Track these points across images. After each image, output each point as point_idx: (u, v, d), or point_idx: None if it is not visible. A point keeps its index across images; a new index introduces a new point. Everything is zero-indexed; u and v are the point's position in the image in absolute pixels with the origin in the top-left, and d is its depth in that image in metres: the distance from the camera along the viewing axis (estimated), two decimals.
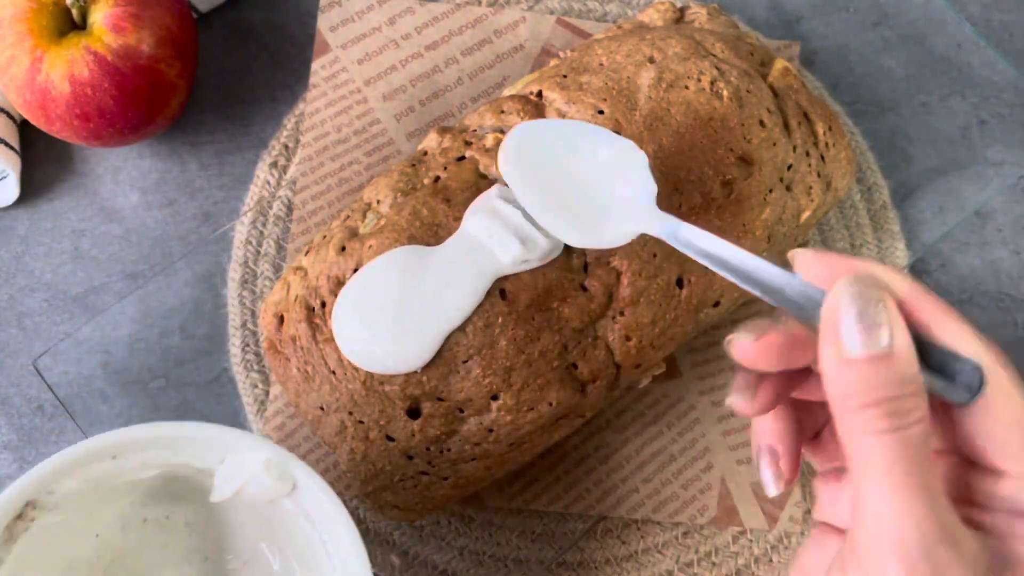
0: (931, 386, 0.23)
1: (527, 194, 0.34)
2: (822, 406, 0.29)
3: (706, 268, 0.38)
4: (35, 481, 0.32)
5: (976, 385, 0.23)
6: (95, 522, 0.35)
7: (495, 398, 0.36)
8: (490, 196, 0.36)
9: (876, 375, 0.23)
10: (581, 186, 0.34)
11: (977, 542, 0.23)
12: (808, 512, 0.44)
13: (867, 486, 0.23)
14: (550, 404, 0.37)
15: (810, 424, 0.29)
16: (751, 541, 0.44)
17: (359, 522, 0.44)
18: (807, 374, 0.28)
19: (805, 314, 0.25)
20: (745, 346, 0.26)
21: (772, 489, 0.28)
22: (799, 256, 0.26)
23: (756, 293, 0.26)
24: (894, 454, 0.22)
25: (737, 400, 0.27)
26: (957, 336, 0.24)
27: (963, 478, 0.25)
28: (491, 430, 0.37)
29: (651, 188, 0.33)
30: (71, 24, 0.41)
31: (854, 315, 0.23)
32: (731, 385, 0.27)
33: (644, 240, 0.37)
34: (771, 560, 0.44)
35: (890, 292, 0.24)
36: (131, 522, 0.36)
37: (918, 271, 0.48)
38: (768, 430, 0.28)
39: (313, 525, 0.34)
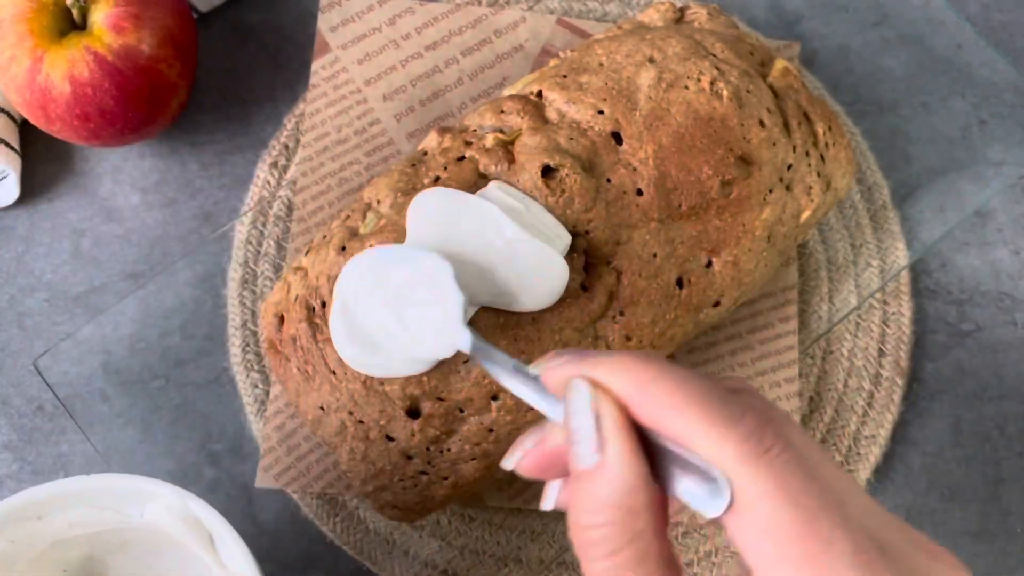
0: (682, 495, 0.22)
1: (351, 344, 0.35)
2: None
3: (706, 268, 0.38)
4: None
5: (724, 495, 0.21)
6: None
7: (495, 398, 0.36)
8: (490, 190, 0.36)
9: (589, 493, 0.22)
10: (411, 305, 0.34)
11: None
12: None
13: None
14: None
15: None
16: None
17: (359, 522, 0.44)
18: None
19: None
20: (520, 466, 0.26)
21: (546, 503, 0.26)
22: (544, 362, 0.25)
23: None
24: None
25: (547, 506, 0.26)
26: (692, 436, 0.22)
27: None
28: (491, 430, 0.37)
29: (458, 300, 0.33)
30: (71, 24, 0.41)
31: (572, 425, 0.23)
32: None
33: (644, 240, 0.37)
34: None
35: (614, 395, 0.23)
36: None
37: (918, 271, 0.48)
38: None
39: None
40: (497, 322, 0.36)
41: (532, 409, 0.37)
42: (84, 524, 0.34)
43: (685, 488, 0.22)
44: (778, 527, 0.20)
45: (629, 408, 0.23)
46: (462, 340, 0.32)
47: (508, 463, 0.26)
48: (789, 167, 0.40)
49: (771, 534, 0.21)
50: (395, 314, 0.34)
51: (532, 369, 0.26)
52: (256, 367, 0.45)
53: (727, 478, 0.21)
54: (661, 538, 0.22)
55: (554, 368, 0.25)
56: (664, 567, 0.22)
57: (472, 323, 0.35)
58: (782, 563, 0.20)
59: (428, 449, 0.37)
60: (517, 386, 0.27)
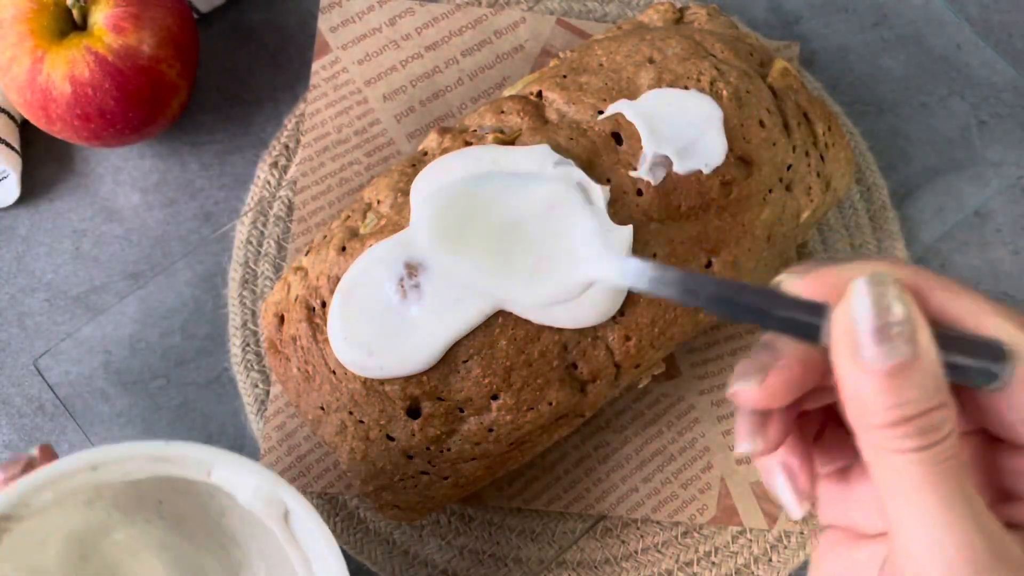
0: (953, 376, 0.22)
1: (456, 260, 0.32)
2: (821, 408, 0.27)
3: (706, 268, 0.38)
4: (13, 498, 0.31)
5: (1002, 366, 0.21)
6: (66, 528, 0.35)
7: (495, 398, 0.36)
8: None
9: (900, 388, 0.21)
10: (518, 238, 0.31)
11: (1018, 548, 0.21)
12: (808, 512, 0.44)
13: (901, 508, 0.21)
14: (550, 404, 0.37)
15: (810, 429, 0.27)
16: (751, 540, 0.44)
17: (359, 522, 0.44)
18: (813, 391, 0.25)
19: (805, 332, 0.23)
20: (751, 393, 0.23)
21: (797, 511, 0.25)
22: (790, 275, 0.24)
23: (744, 320, 0.24)
24: (927, 472, 0.21)
25: (747, 446, 0.24)
26: (975, 315, 0.22)
27: (989, 458, 0.23)
28: (491, 430, 0.37)
29: (604, 226, 0.30)
30: (72, 24, 0.41)
31: (872, 322, 0.21)
32: (737, 432, 0.25)
33: (644, 240, 0.37)
34: (770, 560, 0.44)
35: (910, 288, 0.22)
36: (100, 537, 0.36)
37: None
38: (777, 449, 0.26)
39: (302, 555, 0.33)
40: (496, 321, 0.36)
41: (532, 409, 0.37)
42: (141, 472, 0.33)
43: (962, 370, 0.22)
44: None
45: (921, 297, 0.22)
46: (625, 271, 0.26)
47: (734, 390, 0.24)
48: (789, 167, 0.40)
49: None
50: (509, 239, 0.31)
51: (778, 281, 0.24)
52: (256, 367, 0.45)
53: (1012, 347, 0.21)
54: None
55: (821, 274, 0.23)
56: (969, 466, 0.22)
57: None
58: None
59: (428, 449, 0.37)
60: (736, 297, 0.23)
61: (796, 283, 0.23)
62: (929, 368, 0.21)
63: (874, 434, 0.21)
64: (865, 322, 0.21)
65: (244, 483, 0.32)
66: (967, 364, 0.22)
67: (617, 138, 0.38)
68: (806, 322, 0.22)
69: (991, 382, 0.22)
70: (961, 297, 0.22)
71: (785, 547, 0.44)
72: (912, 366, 0.21)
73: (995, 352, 0.22)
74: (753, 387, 0.23)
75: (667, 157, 0.37)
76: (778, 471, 0.25)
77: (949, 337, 0.22)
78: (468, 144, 0.39)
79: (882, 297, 0.21)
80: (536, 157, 0.36)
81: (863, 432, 0.21)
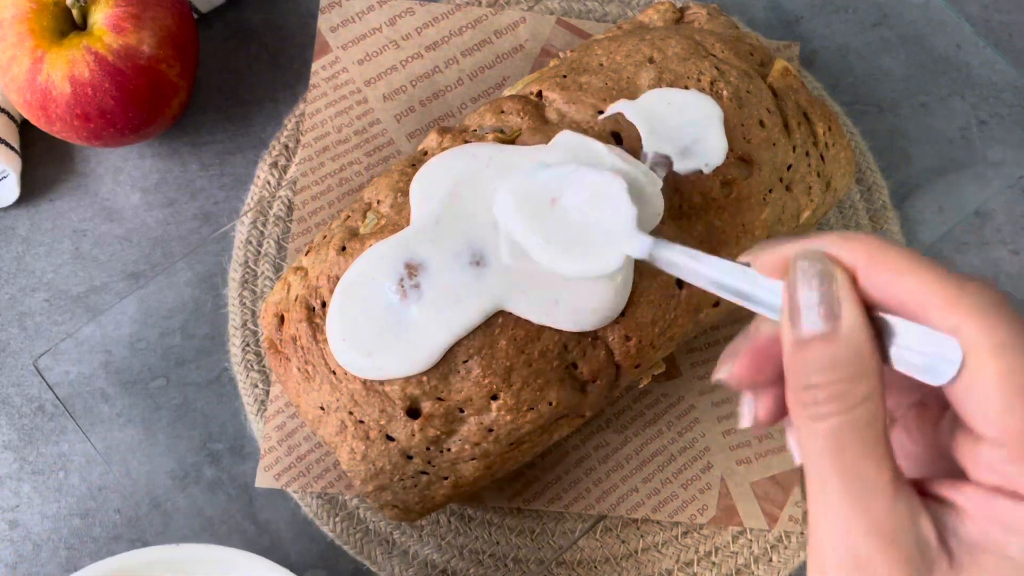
0: (905, 366, 0.22)
1: (530, 238, 0.34)
2: None
3: None
4: None
5: (946, 362, 0.21)
6: None
7: (495, 398, 0.36)
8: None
9: (820, 356, 0.22)
10: (572, 223, 0.34)
11: (920, 536, 0.21)
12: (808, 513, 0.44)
13: (808, 481, 0.22)
14: (550, 404, 0.37)
15: None
16: (751, 540, 0.44)
17: (359, 522, 0.44)
18: None
19: (774, 311, 0.24)
20: (732, 374, 0.25)
21: (745, 420, 0.26)
22: (754, 252, 0.25)
23: (735, 300, 0.26)
24: (830, 442, 0.22)
25: (747, 422, 0.26)
26: (921, 302, 0.22)
27: (940, 436, 0.24)
28: (491, 430, 0.37)
29: (631, 212, 0.33)
30: (72, 24, 0.41)
31: (800, 296, 0.22)
32: (737, 414, 0.26)
33: None
34: (771, 560, 0.44)
35: (844, 265, 0.23)
36: None
37: None
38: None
39: None
40: (496, 321, 0.36)
41: (532, 409, 0.37)
42: None
43: (908, 359, 0.22)
44: (1008, 383, 0.21)
45: (858, 277, 0.23)
46: (638, 245, 0.31)
47: (720, 374, 0.25)
48: (789, 167, 0.40)
49: (1000, 389, 0.21)
50: (566, 224, 0.34)
51: (741, 259, 0.26)
52: (256, 367, 0.45)
53: (958, 342, 0.21)
54: (885, 411, 0.22)
55: (771, 251, 0.24)
56: (887, 440, 0.22)
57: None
58: (1008, 413, 0.21)
59: (428, 449, 0.37)
60: (719, 277, 0.26)
61: (757, 261, 0.25)
62: (848, 345, 0.22)
63: (791, 398, 0.22)
64: (794, 296, 0.23)
65: None
66: (910, 357, 0.22)
67: (617, 138, 0.38)
68: (769, 301, 0.24)
69: (936, 377, 0.22)
70: (907, 279, 0.22)
71: (785, 547, 0.44)
72: (829, 340, 0.22)
73: (940, 347, 0.21)
74: (731, 369, 0.25)
75: (667, 157, 0.37)
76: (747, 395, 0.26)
77: (896, 324, 0.22)
78: (468, 144, 0.39)
79: (808, 274, 0.23)
80: (535, 155, 0.36)
81: (788, 398, 0.23)
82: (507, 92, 0.43)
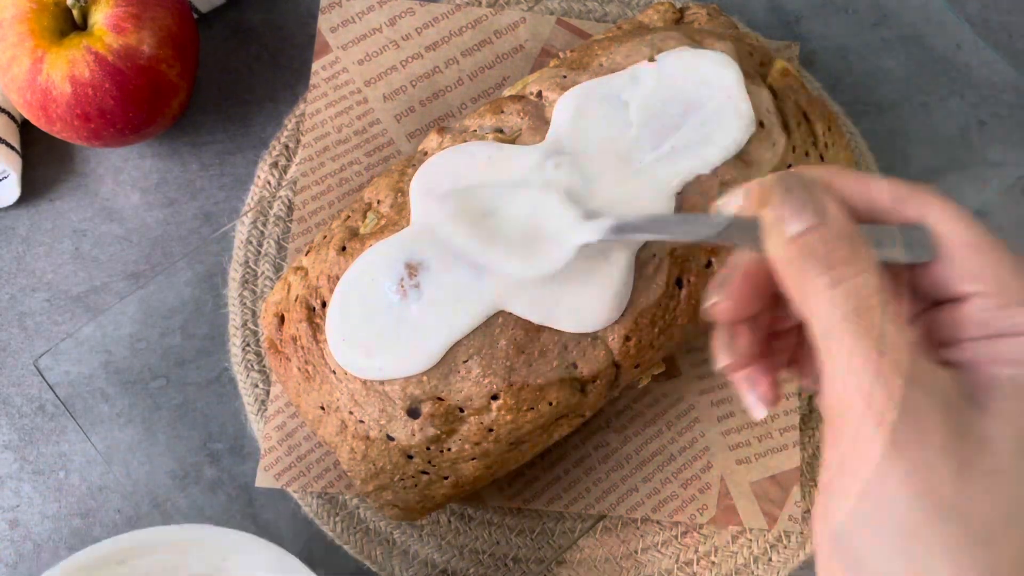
0: (886, 255, 0.24)
1: (465, 240, 0.35)
2: (789, 331, 0.29)
3: (706, 267, 0.38)
4: None
5: (925, 241, 0.24)
6: None
7: (495, 398, 0.36)
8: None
9: (814, 243, 0.23)
10: (513, 231, 0.35)
11: (946, 375, 0.23)
12: (808, 512, 0.44)
13: (827, 347, 0.23)
14: (550, 404, 0.37)
15: (783, 351, 0.30)
16: (750, 540, 0.44)
17: (359, 522, 0.44)
18: (774, 306, 0.28)
19: (752, 239, 0.26)
20: (722, 305, 0.27)
21: (759, 411, 0.28)
22: (727, 199, 0.27)
23: (710, 241, 0.27)
24: (845, 305, 0.22)
25: (723, 358, 0.27)
26: (893, 199, 0.25)
27: (934, 324, 0.25)
28: (491, 430, 0.37)
29: (572, 211, 0.34)
30: (72, 24, 0.41)
31: (784, 204, 0.24)
32: (714, 350, 0.27)
33: (643, 240, 0.37)
34: (770, 559, 0.44)
35: (816, 178, 0.25)
36: None
37: None
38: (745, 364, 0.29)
39: None
40: (496, 321, 0.36)
41: (532, 409, 0.37)
42: (167, 570, 0.34)
43: (889, 253, 0.24)
44: (982, 240, 0.24)
45: (832, 187, 0.25)
46: (590, 231, 0.32)
47: (709, 304, 0.27)
48: (789, 167, 0.40)
49: (980, 247, 0.24)
50: (506, 224, 0.35)
51: (719, 206, 0.27)
52: (256, 367, 0.45)
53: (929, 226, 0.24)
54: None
55: (753, 188, 0.26)
56: (899, 304, 0.23)
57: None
58: (987, 251, 0.24)
59: (428, 449, 0.37)
60: (688, 229, 0.27)
61: (731, 203, 0.26)
62: (836, 224, 0.24)
63: (798, 287, 0.24)
64: (778, 206, 0.24)
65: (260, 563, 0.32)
66: (895, 246, 0.24)
67: None
68: (748, 233, 0.26)
69: (920, 256, 0.24)
70: (876, 184, 0.25)
71: (785, 547, 0.44)
72: (821, 225, 0.23)
73: (917, 231, 0.24)
74: (722, 298, 0.27)
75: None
76: (745, 381, 0.28)
77: (876, 227, 0.25)
78: None
79: (788, 182, 0.24)
80: (531, 156, 0.36)
81: (793, 291, 0.24)
82: (507, 92, 0.43)
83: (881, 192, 0.25)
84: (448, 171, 0.37)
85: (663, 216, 0.28)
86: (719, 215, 0.27)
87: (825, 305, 0.23)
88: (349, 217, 0.39)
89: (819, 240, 0.23)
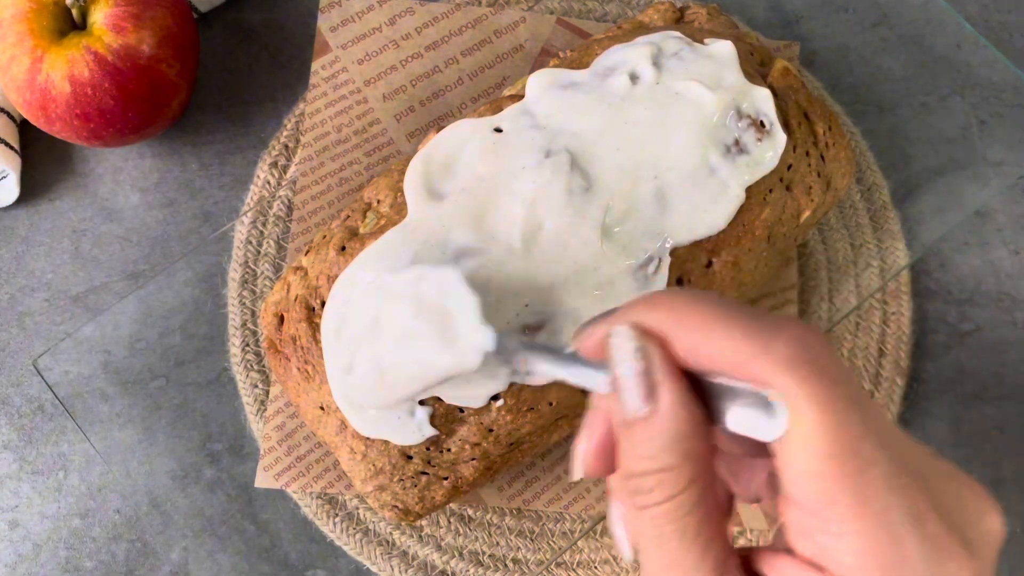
0: (737, 427, 0.21)
1: (361, 364, 0.33)
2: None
3: (706, 267, 0.38)
4: None
5: (781, 417, 0.20)
6: None
7: (495, 398, 0.36)
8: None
9: (642, 441, 0.21)
10: (411, 334, 0.32)
11: None
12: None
13: (640, 566, 0.22)
14: (550, 404, 0.37)
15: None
16: (750, 540, 0.44)
17: (359, 522, 0.44)
18: None
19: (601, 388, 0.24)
20: (588, 471, 0.25)
21: (626, 555, 0.25)
22: (577, 336, 0.24)
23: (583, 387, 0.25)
24: (654, 530, 0.21)
25: (576, 476, 0.25)
26: (736, 361, 0.21)
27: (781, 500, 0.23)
28: (491, 430, 0.37)
29: (472, 302, 0.30)
30: (71, 24, 0.41)
31: (619, 377, 0.22)
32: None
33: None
34: None
35: (655, 334, 0.22)
36: None
37: (918, 271, 0.48)
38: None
39: None
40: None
41: (532, 409, 0.37)
42: None
43: (739, 420, 0.21)
44: (820, 444, 0.20)
45: (671, 344, 0.22)
46: (485, 339, 0.29)
47: (576, 474, 0.25)
48: (789, 167, 0.40)
49: (812, 451, 0.20)
50: (403, 345, 0.32)
51: (568, 348, 0.25)
52: (256, 367, 0.45)
53: (781, 399, 0.20)
54: (713, 481, 0.22)
55: (588, 333, 0.24)
56: (716, 512, 0.22)
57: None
58: (820, 478, 0.20)
59: (428, 449, 0.37)
60: (556, 369, 0.25)
61: (581, 347, 0.24)
62: (668, 426, 0.21)
63: (618, 484, 0.22)
64: (614, 378, 0.22)
65: None
66: (738, 418, 0.21)
67: None
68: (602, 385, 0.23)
69: (769, 432, 0.21)
70: (714, 338, 0.21)
71: None
72: (650, 421, 0.21)
73: (763, 403, 0.21)
74: (584, 468, 0.25)
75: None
76: (617, 516, 0.26)
77: (720, 387, 0.22)
78: None
79: (622, 353, 0.22)
80: (527, 148, 0.36)
81: (616, 482, 0.22)
82: (507, 92, 0.43)
83: (724, 350, 0.21)
84: (445, 152, 0.37)
85: (541, 348, 0.26)
86: (575, 356, 0.25)
87: (635, 521, 0.22)
88: (349, 217, 0.39)
89: (645, 440, 0.21)
